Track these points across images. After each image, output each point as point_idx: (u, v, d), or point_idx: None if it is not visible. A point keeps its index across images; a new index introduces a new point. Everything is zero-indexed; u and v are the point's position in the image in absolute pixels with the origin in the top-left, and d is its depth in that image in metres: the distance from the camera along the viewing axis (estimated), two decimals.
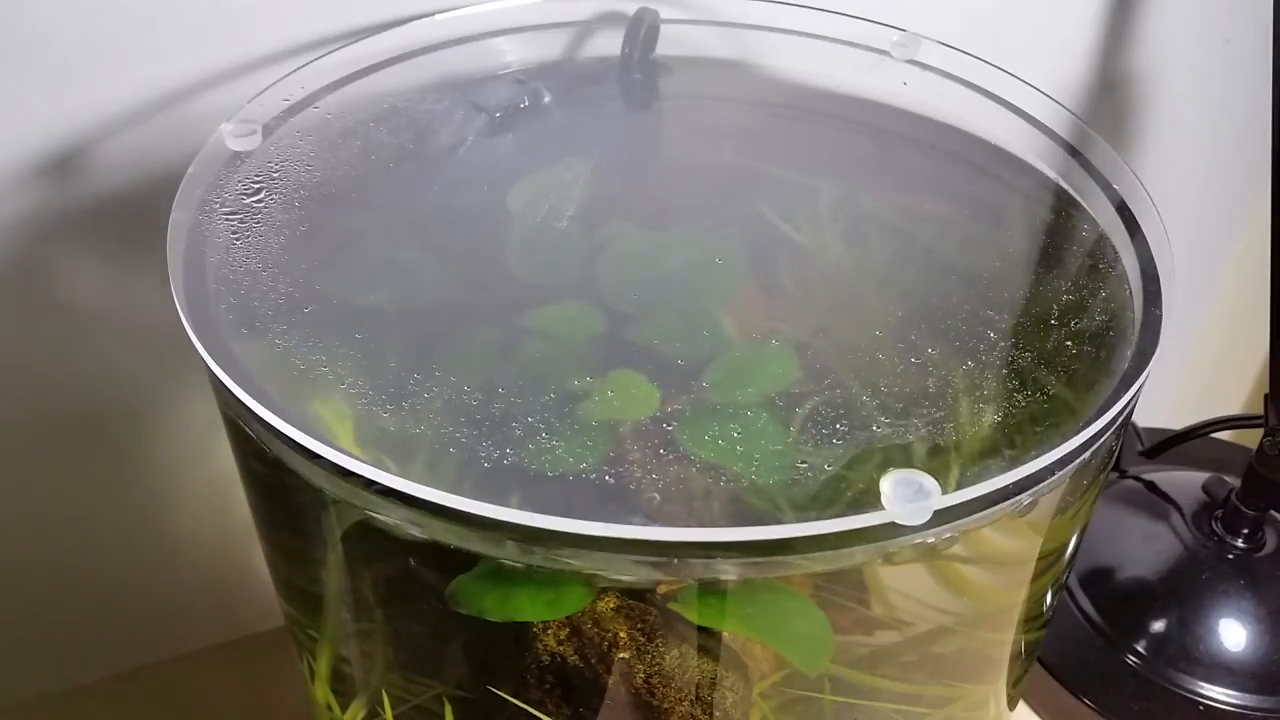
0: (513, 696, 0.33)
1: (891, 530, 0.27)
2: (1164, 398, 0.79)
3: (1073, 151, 0.40)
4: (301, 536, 0.35)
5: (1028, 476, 0.28)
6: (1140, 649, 0.53)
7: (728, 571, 0.28)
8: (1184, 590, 0.53)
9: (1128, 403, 0.31)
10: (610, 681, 0.33)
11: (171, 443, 0.50)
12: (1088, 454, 0.30)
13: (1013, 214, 0.42)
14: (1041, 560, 0.35)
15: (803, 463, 0.30)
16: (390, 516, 0.28)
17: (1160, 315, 0.34)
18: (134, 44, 0.40)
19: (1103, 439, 0.31)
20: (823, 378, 0.33)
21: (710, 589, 0.30)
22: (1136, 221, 0.37)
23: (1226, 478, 0.56)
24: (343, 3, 0.42)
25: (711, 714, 0.33)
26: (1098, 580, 0.56)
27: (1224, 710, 0.51)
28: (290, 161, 0.38)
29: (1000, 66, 0.42)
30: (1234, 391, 0.82)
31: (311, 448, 0.28)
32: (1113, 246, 0.38)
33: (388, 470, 0.27)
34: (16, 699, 0.53)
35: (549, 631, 0.33)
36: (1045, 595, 0.38)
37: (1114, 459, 0.36)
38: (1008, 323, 0.35)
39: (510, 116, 0.42)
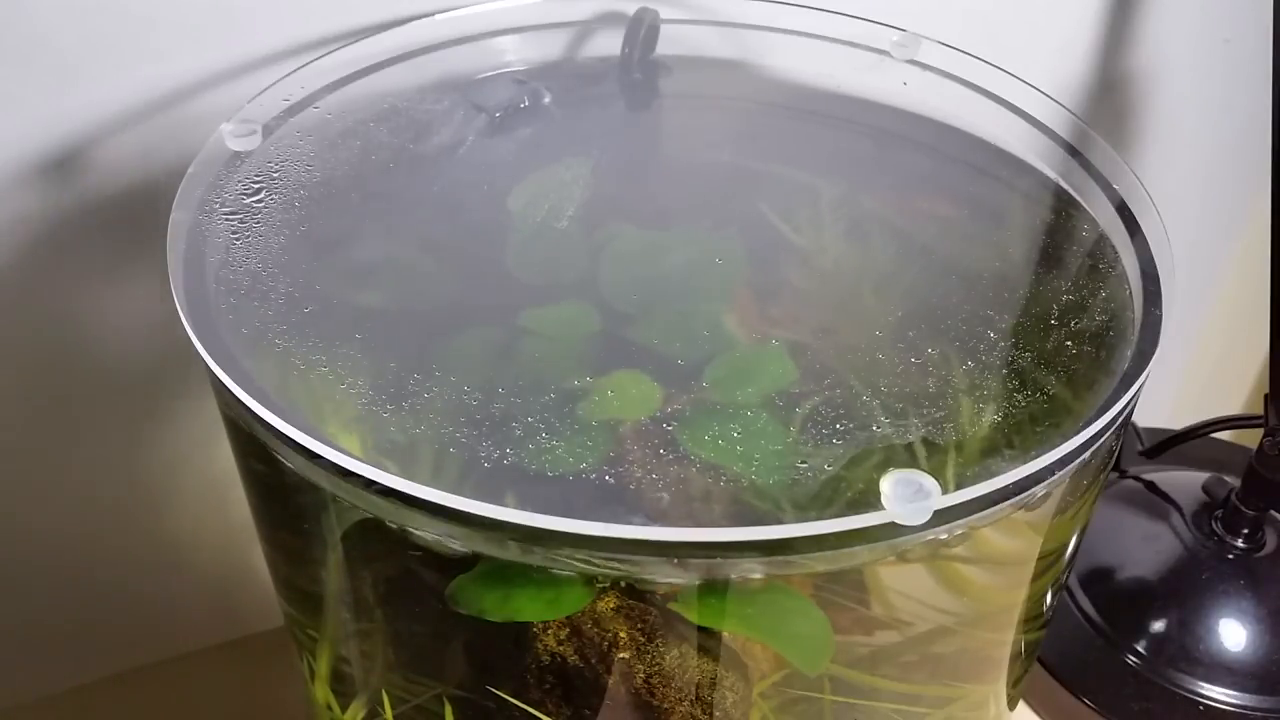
0: (513, 696, 0.33)
1: (891, 530, 0.27)
2: (1164, 398, 0.79)
3: (1073, 151, 0.40)
4: (301, 536, 0.35)
5: (1027, 477, 0.28)
6: (1140, 649, 0.53)
7: (728, 571, 0.28)
8: (1184, 590, 0.53)
9: (1128, 403, 0.31)
10: (610, 681, 0.33)
11: (172, 443, 0.50)
12: (1088, 454, 0.30)
13: (1013, 214, 0.42)
14: (1041, 560, 0.35)
15: (803, 463, 0.30)
16: (390, 517, 0.28)
17: (1160, 315, 0.34)
18: (134, 44, 0.40)
19: (1103, 439, 0.31)
20: (823, 378, 0.33)
21: (710, 589, 0.30)
22: (1136, 221, 0.37)
23: (1226, 478, 0.56)
24: (343, 3, 0.42)
25: (711, 714, 0.33)
26: (1098, 580, 0.56)
27: (1224, 710, 0.51)
28: (290, 161, 0.38)
29: (1000, 66, 0.42)
30: (1234, 391, 0.82)
31: (311, 448, 0.28)
32: (1113, 246, 0.38)
33: (388, 470, 0.27)
34: (16, 699, 0.53)
35: (549, 631, 0.33)
36: (1045, 595, 0.38)
37: (1114, 459, 0.36)
38: (1008, 323, 0.35)
39: (510, 116, 0.42)
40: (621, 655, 0.32)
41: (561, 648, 0.33)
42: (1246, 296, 0.74)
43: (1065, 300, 0.36)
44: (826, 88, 0.45)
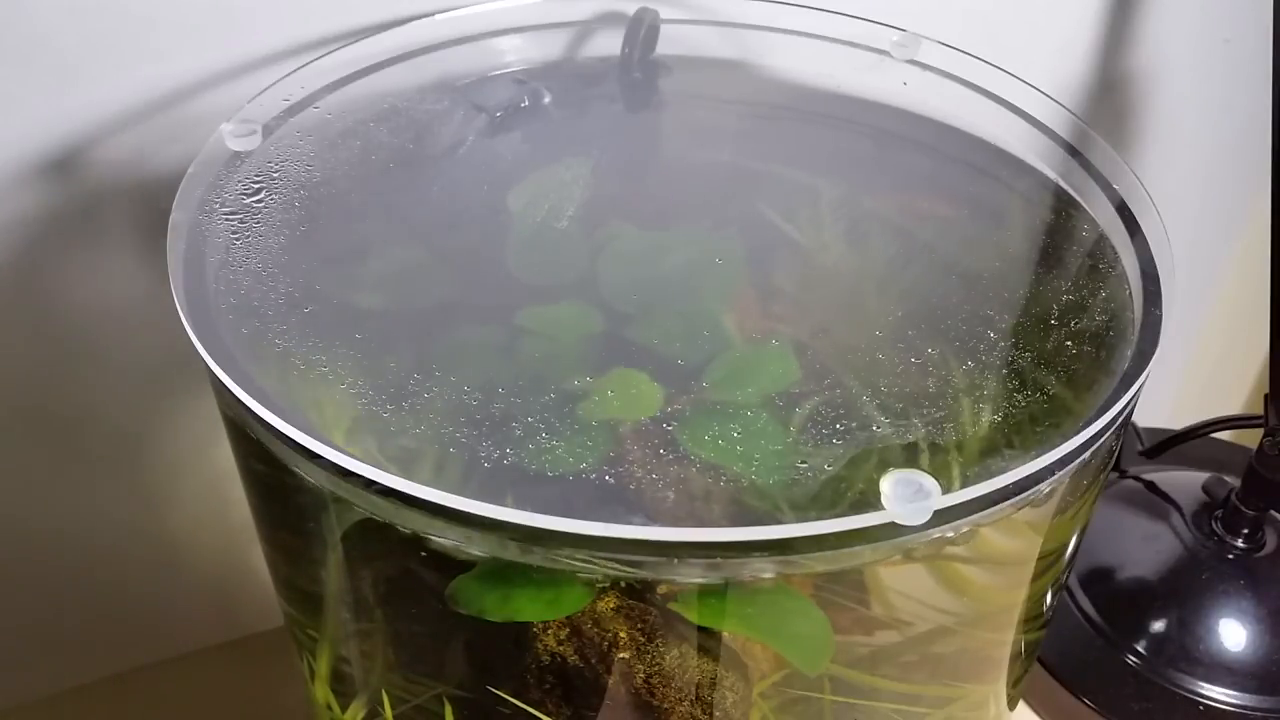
0: (513, 696, 0.33)
1: (891, 530, 0.27)
2: (1164, 398, 0.79)
3: (1073, 151, 0.40)
4: (301, 536, 0.35)
5: (1027, 477, 0.28)
6: (1140, 649, 0.53)
7: (728, 571, 0.28)
8: (1184, 590, 0.53)
9: (1128, 403, 0.31)
10: (610, 681, 0.33)
11: (172, 443, 0.50)
12: (1088, 454, 0.30)
13: (1013, 214, 0.42)
14: (1041, 560, 0.35)
15: (803, 463, 0.30)
16: (390, 517, 0.28)
17: (1160, 315, 0.34)
18: (134, 44, 0.40)
19: (1103, 439, 0.31)
20: (823, 378, 0.33)
21: (710, 589, 0.30)
22: (1136, 221, 0.37)
23: (1226, 478, 0.56)
24: (343, 3, 0.42)
25: (711, 714, 0.33)
26: (1098, 580, 0.56)
27: (1224, 710, 0.51)
28: (290, 161, 0.38)
29: (1000, 66, 0.42)
30: (1234, 391, 0.82)
31: (311, 448, 0.28)
32: (1113, 246, 0.38)
33: (388, 470, 0.27)
34: (16, 699, 0.53)
35: (549, 631, 0.33)
36: (1045, 595, 0.38)
37: (1114, 459, 0.36)
38: (1008, 323, 0.35)
39: (510, 116, 0.42)
40: (621, 655, 0.32)
41: (561, 648, 0.33)
42: (1246, 296, 0.74)
43: (1065, 300, 0.36)
44: (826, 88, 0.45)
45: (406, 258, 0.38)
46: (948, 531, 0.29)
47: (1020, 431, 0.32)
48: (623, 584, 0.32)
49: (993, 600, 0.37)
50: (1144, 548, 0.56)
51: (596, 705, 0.33)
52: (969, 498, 0.27)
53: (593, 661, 0.32)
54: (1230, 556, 0.54)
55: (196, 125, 0.42)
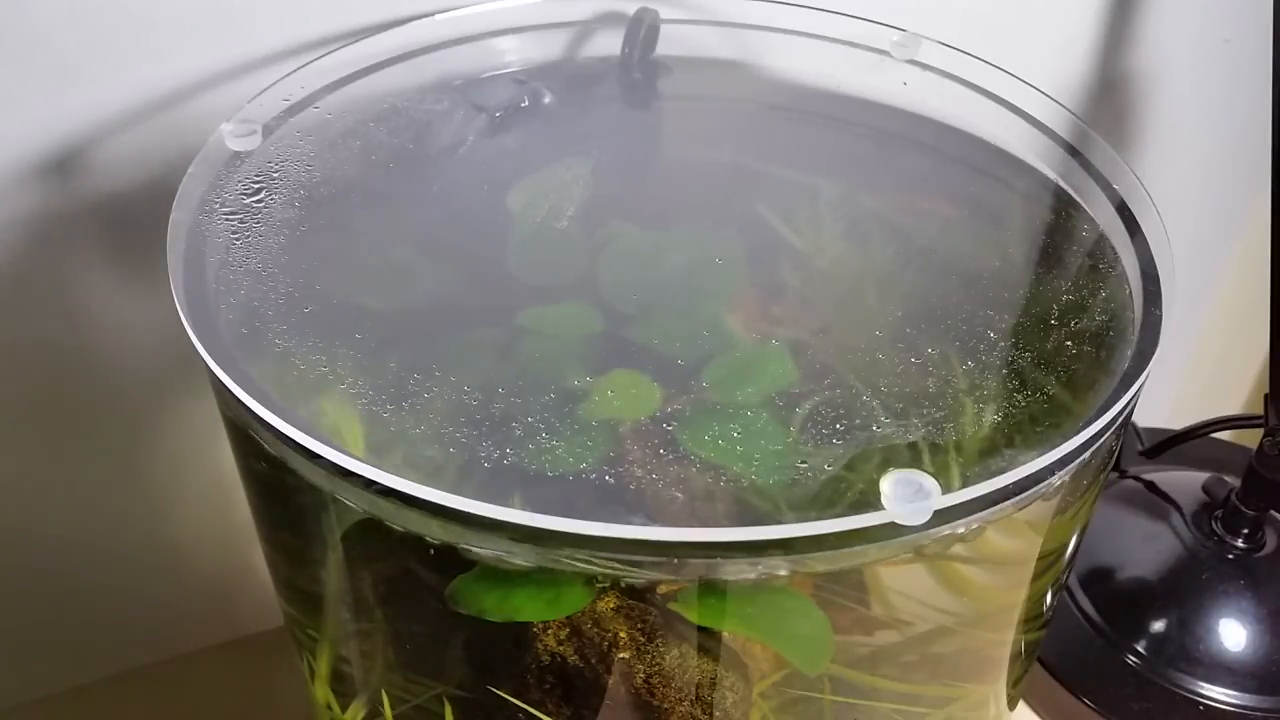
0: (513, 696, 0.33)
1: (891, 530, 0.27)
2: (1164, 398, 0.79)
3: (1073, 151, 0.40)
4: (301, 536, 0.35)
5: (1027, 477, 0.28)
6: (1140, 649, 0.53)
7: (728, 571, 0.28)
8: (1184, 590, 0.53)
9: (1128, 403, 0.31)
10: (610, 681, 0.33)
11: (172, 443, 0.50)
12: (1088, 454, 0.30)
13: (1013, 214, 0.42)
14: (1042, 560, 0.35)
15: (803, 463, 0.30)
16: (390, 517, 0.28)
17: (1160, 315, 0.34)
18: (134, 44, 0.40)
19: (1103, 439, 0.31)
20: (823, 378, 0.33)
21: (710, 589, 0.30)
22: (1136, 221, 0.37)
23: (1226, 478, 0.56)
24: (343, 3, 0.42)
25: (711, 714, 0.33)
26: (1098, 580, 0.56)
27: (1224, 710, 0.51)
28: (290, 161, 0.38)
29: (1000, 66, 0.42)
30: (1234, 391, 0.82)
31: (311, 448, 0.28)
32: (1113, 246, 0.37)
33: (388, 470, 0.27)
34: (16, 699, 0.53)
35: (549, 631, 0.33)
36: (1045, 595, 0.38)
37: (1114, 459, 0.36)
38: (1008, 323, 0.35)
39: (510, 116, 0.42)
40: (621, 655, 0.32)
41: (561, 648, 0.33)
42: (1246, 296, 0.74)
43: (1065, 300, 0.36)
44: (826, 88, 0.45)
45: (407, 258, 0.38)
46: (948, 531, 0.29)
47: (1020, 431, 0.32)
48: (623, 584, 0.32)
49: (993, 600, 0.37)
50: (1144, 548, 0.56)
51: (596, 705, 0.33)
52: (969, 498, 0.27)
53: (593, 661, 0.32)
54: (1230, 556, 0.54)
55: (196, 125, 0.42)
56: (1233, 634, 0.52)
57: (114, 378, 0.46)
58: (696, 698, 0.33)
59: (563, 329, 0.35)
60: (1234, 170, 0.70)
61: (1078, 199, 0.40)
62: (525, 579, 0.29)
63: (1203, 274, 0.76)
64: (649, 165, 0.44)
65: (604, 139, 0.43)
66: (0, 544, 0.49)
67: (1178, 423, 0.61)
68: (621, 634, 0.32)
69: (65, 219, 0.42)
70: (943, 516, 0.27)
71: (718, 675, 0.33)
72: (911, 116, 0.44)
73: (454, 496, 0.26)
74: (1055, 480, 0.30)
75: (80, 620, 0.53)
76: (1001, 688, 0.40)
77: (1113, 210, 0.38)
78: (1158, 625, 0.53)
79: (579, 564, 0.28)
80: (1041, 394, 0.33)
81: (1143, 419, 0.65)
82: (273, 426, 0.28)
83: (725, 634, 0.33)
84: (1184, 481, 0.59)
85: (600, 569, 0.28)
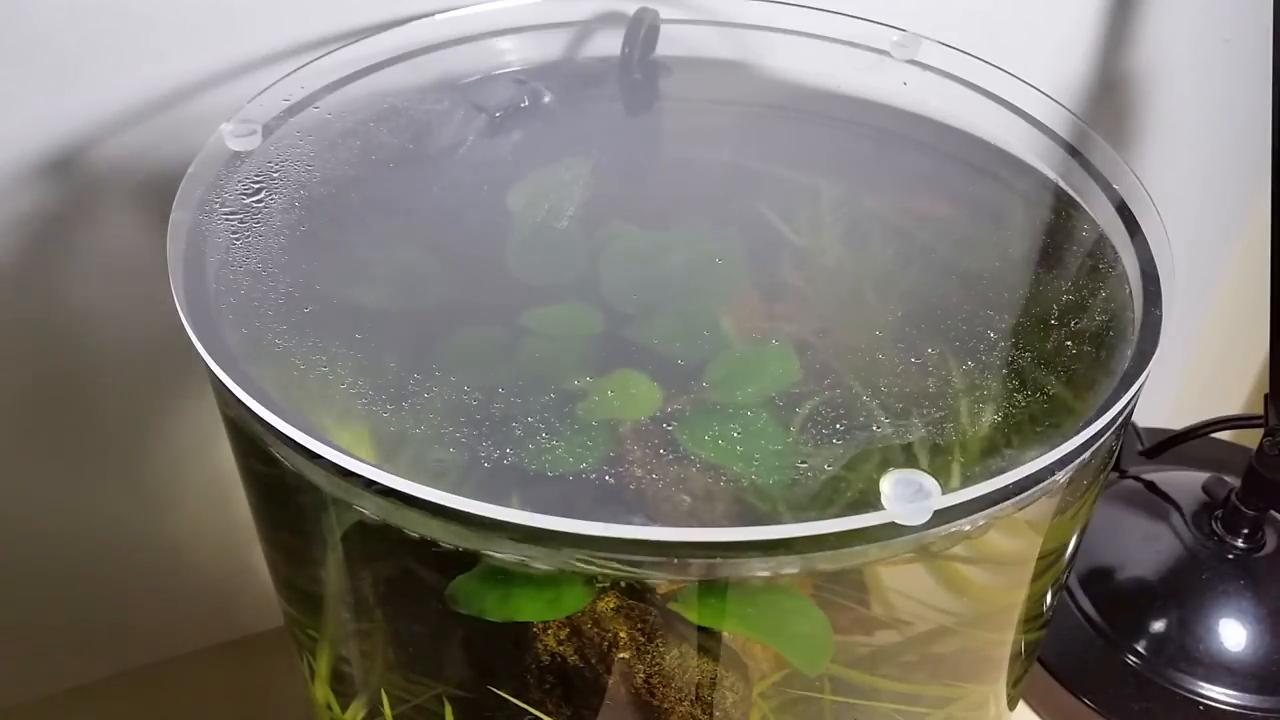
0: (513, 696, 0.33)
1: (891, 530, 0.27)
2: (1164, 398, 0.79)
3: (1073, 151, 0.40)
4: (301, 536, 0.35)
5: (1027, 477, 0.28)
6: (1140, 649, 0.53)
7: (728, 571, 0.28)
8: (1184, 590, 0.53)
9: (1128, 403, 0.31)
10: (610, 681, 0.33)
11: (171, 443, 0.50)
12: (1088, 454, 0.30)
13: (1013, 214, 0.42)
14: (1041, 560, 0.35)
15: (803, 463, 0.30)
16: (390, 517, 0.28)
17: (1160, 315, 0.34)
18: (134, 44, 0.40)
19: (1103, 439, 0.31)
20: (823, 378, 0.33)
21: (710, 589, 0.30)
22: (1136, 221, 0.37)
23: (1226, 478, 0.56)
24: (343, 3, 0.42)
25: (711, 714, 0.33)
26: (1098, 580, 0.56)
27: (1224, 710, 0.51)
28: (290, 161, 0.38)
29: (1000, 66, 0.42)
30: (1234, 391, 0.82)
31: (311, 448, 0.28)
32: (1113, 246, 0.38)
33: (388, 470, 0.27)
34: (16, 699, 0.53)
35: (549, 631, 0.33)
36: (1045, 595, 0.38)
37: (1114, 459, 0.36)
38: (1008, 323, 0.35)
39: (510, 116, 0.42)
40: (621, 655, 0.32)
41: (561, 648, 0.33)
42: (1246, 296, 0.74)
43: (1065, 300, 0.36)
44: (826, 88, 0.45)
45: (406, 258, 0.38)
46: (948, 531, 0.29)
47: (1020, 431, 0.32)
48: (623, 584, 0.32)
49: (993, 600, 0.37)
50: (1144, 548, 0.56)
51: (596, 705, 0.33)
52: (969, 498, 0.27)
53: (593, 661, 0.32)
54: (1230, 556, 0.54)
55: (196, 125, 0.42)
56: (1233, 634, 0.52)
57: (114, 378, 0.46)
58: (696, 698, 0.33)
59: (563, 329, 0.35)
60: (1234, 170, 0.70)
61: (1078, 199, 0.40)
62: (525, 579, 0.29)
63: (1203, 274, 0.76)
64: (649, 165, 0.44)
65: (604, 139, 0.43)
66: (0, 544, 0.49)
67: (1178, 423, 0.61)
68: (621, 634, 0.32)
69: (65, 219, 0.42)
70: (943, 516, 0.27)
71: (718, 675, 0.33)
72: (911, 116, 0.44)
73: (454, 496, 0.26)
74: (1055, 480, 0.30)
75: (80, 620, 0.53)
76: (1001, 688, 0.40)
77: (1113, 210, 0.38)
78: (1158, 625, 0.53)
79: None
80: (1041, 394, 0.33)
81: (1143, 419, 0.65)
82: (273, 426, 0.28)
83: (725, 634, 0.33)
84: (1184, 481, 0.59)
85: (600, 569, 0.28)
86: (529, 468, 0.30)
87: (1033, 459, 0.28)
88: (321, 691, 0.39)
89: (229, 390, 0.29)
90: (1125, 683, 0.52)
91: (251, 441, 0.32)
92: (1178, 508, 0.57)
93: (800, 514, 0.30)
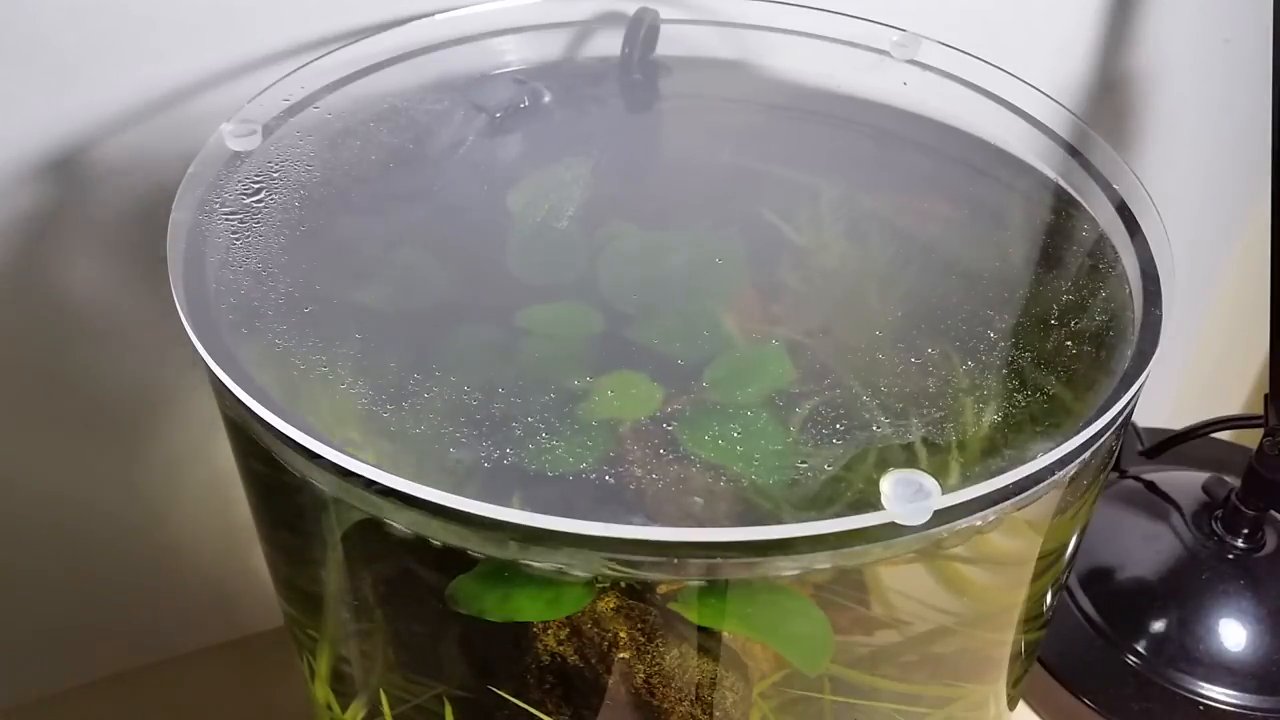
0: (513, 696, 0.33)
1: (891, 530, 0.27)
2: (1164, 398, 0.79)
3: (1073, 151, 0.40)
4: (301, 536, 0.35)
5: (1027, 477, 0.28)
6: (1140, 649, 0.53)
7: (728, 571, 0.28)
8: (1184, 590, 0.53)
9: (1128, 403, 0.31)
10: (610, 681, 0.33)
11: (171, 443, 0.50)
12: (1088, 454, 0.30)
13: (1013, 214, 0.42)
14: (1041, 560, 0.35)
15: (803, 463, 0.30)
16: (390, 517, 0.28)
17: (1160, 315, 0.34)
18: (134, 44, 0.40)
19: (1103, 439, 0.31)
20: (823, 378, 0.33)
21: (710, 589, 0.30)
22: (1136, 221, 0.37)
23: (1226, 478, 0.56)
24: (343, 3, 0.42)
25: (711, 714, 0.33)
26: (1098, 580, 0.56)
27: (1224, 710, 0.51)
28: (290, 161, 0.38)
29: (1000, 66, 0.42)
30: (1234, 391, 0.82)
31: (311, 448, 0.28)
32: (1113, 246, 0.38)
33: (388, 470, 0.27)
34: (16, 699, 0.53)
35: (549, 631, 0.33)
36: (1045, 595, 0.38)
37: (1114, 459, 0.36)
38: (1008, 323, 0.35)
39: (510, 116, 0.42)
40: (621, 655, 0.32)
41: (561, 648, 0.33)
42: (1246, 296, 0.74)
43: (1065, 300, 0.36)
44: (826, 88, 0.45)
45: (406, 258, 0.38)
46: (948, 531, 0.29)
47: (1020, 431, 0.32)
48: (623, 584, 0.32)
49: (993, 600, 0.37)
50: (1144, 548, 0.56)
51: (596, 705, 0.33)
52: (969, 498, 0.27)
53: (593, 661, 0.32)
54: (1230, 556, 0.54)
55: (196, 125, 0.42)
56: (1233, 634, 0.52)
57: (114, 377, 0.46)
58: (696, 698, 0.33)
59: (563, 329, 0.35)
60: (1234, 170, 0.70)
61: (1078, 199, 0.40)
62: (525, 579, 0.29)
63: (1203, 274, 0.76)
64: (649, 165, 0.44)
65: (604, 139, 0.43)
66: (0, 544, 0.49)
67: (1178, 423, 0.61)
68: (621, 634, 0.32)
69: (65, 219, 0.42)
70: (943, 516, 0.27)
71: (718, 675, 0.33)
72: (911, 116, 0.44)
73: (454, 496, 0.26)
74: (1055, 480, 0.30)
75: (80, 620, 0.53)
76: (1001, 688, 0.40)
77: (1113, 210, 0.38)
78: (1158, 625, 0.53)
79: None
80: (1041, 394, 0.33)
81: (1143, 419, 0.65)
82: (273, 426, 0.28)
83: (725, 634, 0.33)
84: (1184, 481, 0.59)
85: (600, 569, 0.28)
86: (529, 468, 0.30)
87: (1033, 459, 0.28)
88: (321, 691, 0.39)
89: (229, 390, 0.29)
90: (1125, 683, 0.52)
91: (251, 442, 0.32)
92: (1178, 508, 0.57)
93: (800, 514, 0.30)
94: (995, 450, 0.31)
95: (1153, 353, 0.32)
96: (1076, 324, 0.35)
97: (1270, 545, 0.54)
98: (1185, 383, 0.81)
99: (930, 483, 0.27)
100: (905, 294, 0.37)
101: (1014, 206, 0.42)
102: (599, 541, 0.26)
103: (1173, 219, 0.36)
